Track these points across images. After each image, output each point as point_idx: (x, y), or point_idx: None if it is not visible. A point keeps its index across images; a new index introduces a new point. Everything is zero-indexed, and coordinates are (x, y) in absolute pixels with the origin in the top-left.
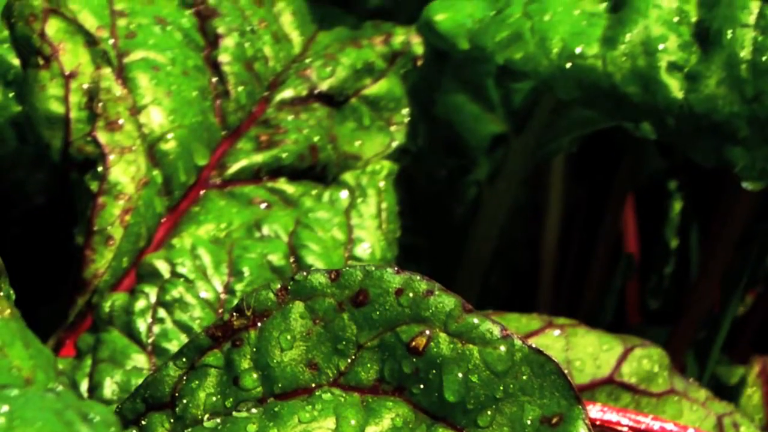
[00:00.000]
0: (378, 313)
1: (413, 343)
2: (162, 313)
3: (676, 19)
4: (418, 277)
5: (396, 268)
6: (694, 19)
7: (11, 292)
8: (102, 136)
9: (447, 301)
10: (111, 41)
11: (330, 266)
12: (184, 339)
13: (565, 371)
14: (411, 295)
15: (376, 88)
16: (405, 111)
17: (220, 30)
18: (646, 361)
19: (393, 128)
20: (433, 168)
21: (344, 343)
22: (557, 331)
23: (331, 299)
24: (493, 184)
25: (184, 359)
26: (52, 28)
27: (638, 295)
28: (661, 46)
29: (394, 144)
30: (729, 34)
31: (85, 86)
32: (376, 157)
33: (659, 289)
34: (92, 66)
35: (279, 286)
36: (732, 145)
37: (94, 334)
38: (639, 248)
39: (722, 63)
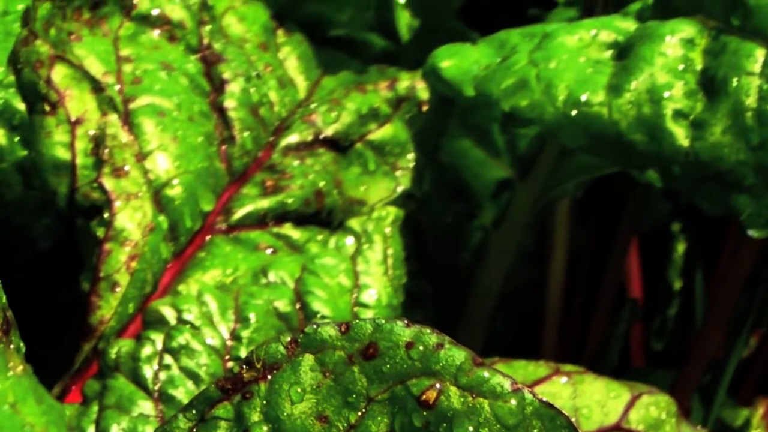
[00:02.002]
0: (388, 366)
1: (423, 397)
2: (168, 359)
3: (681, 66)
4: (428, 330)
5: (406, 321)
6: (699, 66)
7: (21, 344)
8: (108, 183)
9: (457, 354)
10: (117, 87)
11: (336, 313)
12: (190, 386)
13: (573, 419)
14: (421, 348)
15: (381, 133)
16: (410, 156)
17: (226, 75)
18: (653, 408)
19: (398, 173)
20: (439, 213)
21: (354, 396)
22: (564, 379)
23: (341, 352)
24: (498, 228)
25: (193, 411)
26: (59, 74)
27: (642, 337)
28: (666, 94)
29: (400, 189)
30: (734, 81)
31: (91, 132)
32: (381, 202)
33: (663, 330)
34: (98, 112)
35: (289, 338)
36: (738, 193)
37: (101, 380)
38: (643, 291)
39: (727, 111)
